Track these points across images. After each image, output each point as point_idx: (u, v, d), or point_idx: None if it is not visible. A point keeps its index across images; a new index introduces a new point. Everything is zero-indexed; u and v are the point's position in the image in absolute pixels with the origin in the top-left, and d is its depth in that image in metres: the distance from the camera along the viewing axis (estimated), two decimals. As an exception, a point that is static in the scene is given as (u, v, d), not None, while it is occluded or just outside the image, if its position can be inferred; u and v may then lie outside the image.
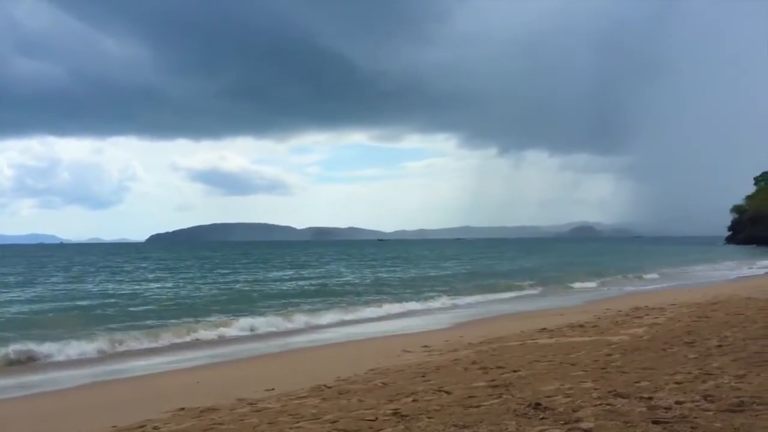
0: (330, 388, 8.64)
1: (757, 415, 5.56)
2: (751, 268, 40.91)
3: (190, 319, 18.40)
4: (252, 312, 19.92)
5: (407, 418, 6.38)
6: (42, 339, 15.13)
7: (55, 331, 16.48)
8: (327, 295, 26.55)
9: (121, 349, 14.36)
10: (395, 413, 6.60)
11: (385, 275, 39.74)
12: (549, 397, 6.79)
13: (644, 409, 6.01)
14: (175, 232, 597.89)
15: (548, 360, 9.45)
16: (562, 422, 5.77)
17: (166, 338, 15.49)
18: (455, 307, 22.60)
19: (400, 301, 23.25)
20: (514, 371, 8.62)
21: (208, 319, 18.53)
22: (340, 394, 8.10)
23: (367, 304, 22.20)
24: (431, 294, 25.84)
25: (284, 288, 30.34)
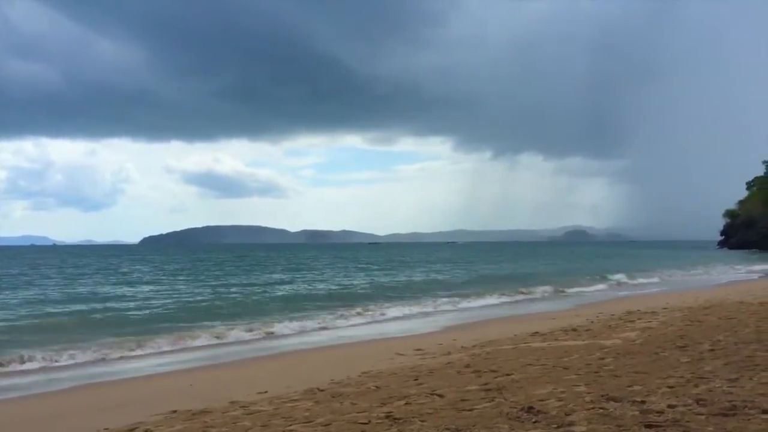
0: (323, 391, 8.62)
1: (749, 419, 5.58)
2: (743, 272, 41.14)
3: (184, 324, 18.28)
4: (249, 317, 19.77)
5: (400, 421, 6.37)
6: (32, 342, 15.08)
7: (46, 334, 16.41)
8: (324, 299, 26.34)
9: (113, 351, 14.26)
10: (388, 416, 6.60)
11: (382, 279, 39.64)
12: (542, 400, 6.79)
13: (637, 413, 6.02)
14: (168, 235, 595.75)
15: (541, 364, 9.46)
16: (555, 426, 5.77)
17: (158, 341, 15.40)
18: (449, 311, 22.58)
19: (394, 304, 23.20)
20: (507, 375, 8.63)
21: (203, 323, 18.40)
22: (333, 397, 8.09)
23: (364, 308, 22.10)
24: (423, 298, 25.82)
25: (282, 292, 30.05)
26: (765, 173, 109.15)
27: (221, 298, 26.34)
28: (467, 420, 6.18)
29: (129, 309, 22.57)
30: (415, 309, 22.32)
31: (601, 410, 6.17)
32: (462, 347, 12.28)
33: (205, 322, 18.50)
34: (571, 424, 5.78)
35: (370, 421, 6.47)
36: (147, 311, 21.89)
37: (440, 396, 7.47)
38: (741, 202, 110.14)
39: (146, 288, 32.77)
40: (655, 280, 35.54)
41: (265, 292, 29.88)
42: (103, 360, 13.64)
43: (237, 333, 16.87)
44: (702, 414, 5.83)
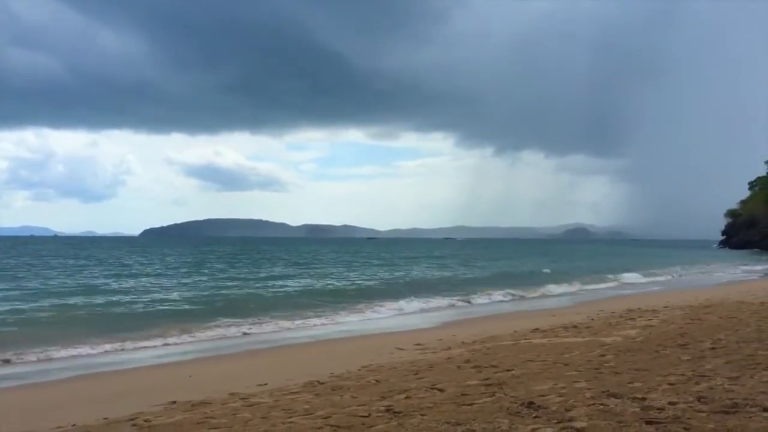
0: (323, 384, 8.62)
1: (750, 417, 5.56)
2: (743, 272, 41.13)
3: (186, 317, 18.28)
4: (251, 310, 19.70)
5: (400, 414, 6.37)
6: (33, 333, 15.11)
7: (47, 325, 16.44)
8: (326, 294, 26.14)
9: (113, 342, 14.27)
10: (388, 410, 6.59)
11: (383, 275, 39.62)
12: (542, 396, 6.78)
13: (637, 409, 6.01)
14: (168, 227, 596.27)
15: (541, 360, 9.45)
16: (555, 421, 5.76)
17: (158, 333, 15.42)
18: (449, 307, 22.59)
19: (396, 300, 23.18)
20: (508, 370, 8.62)
21: (205, 317, 18.36)
22: (333, 390, 8.09)
23: (365, 303, 22.09)
24: (423, 294, 25.79)
25: (285, 287, 29.68)
26: (767, 173, 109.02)
27: (224, 292, 26.27)
28: (467, 414, 6.17)
29: (130, 302, 22.55)
30: (415, 305, 22.31)
31: (602, 406, 6.16)
32: (462, 342, 12.28)
33: (208, 316, 18.48)
34: (571, 419, 5.77)
35: (370, 415, 6.46)
36: (147, 304, 21.89)
37: (440, 390, 7.47)
38: (743, 202, 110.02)
39: (149, 280, 32.72)
40: (668, 278, 36.07)
41: (268, 286, 29.80)
42: (103, 351, 13.65)
43: (238, 326, 16.88)
44: (703, 411, 5.82)
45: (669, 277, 36.62)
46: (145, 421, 7.04)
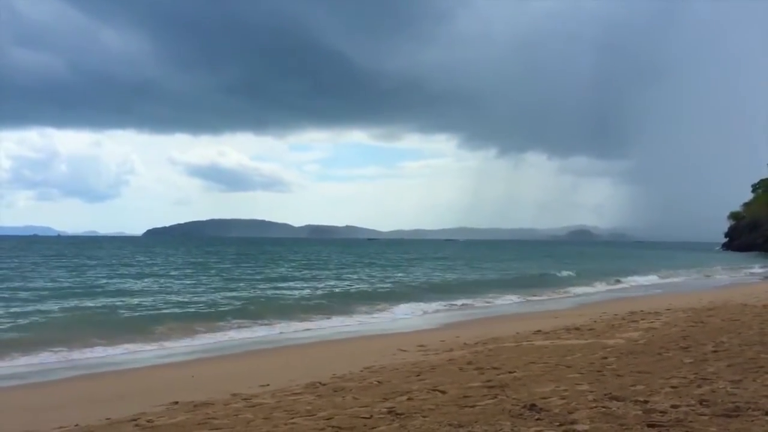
0: (325, 385, 8.63)
1: (752, 421, 5.56)
2: (746, 274, 41.08)
3: (189, 317, 18.26)
4: (255, 312, 19.63)
5: (402, 416, 6.37)
6: (34, 334, 15.13)
7: (51, 326, 16.47)
8: (335, 296, 25.48)
9: (114, 343, 14.29)
10: (390, 411, 6.59)
11: (386, 276, 39.58)
12: (544, 398, 6.78)
13: (640, 412, 6.00)
14: (172, 227, 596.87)
15: (544, 362, 9.44)
16: (558, 424, 5.76)
17: (159, 334, 15.45)
18: (453, 309, 22.57)
19: (397, 302, 23.13)
20: (510, 372, 8.62)
21: (208, 318, 18.35)
22: (335, 391, 8.09)
23: (368, 305, 22.05)
24: (428, 296, 25.75)
25: (291, 289, 29.23)
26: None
27: (230, 294, 26.11)
28: (469, 416, 6.17)
29: (135, 302, 22.51)
30: (417, 307, 22.25)
31: (604, 409, 6.16)
32: (464, 344, 12.28)
33: (211, 317, 18.47)
34: (573, 422, 5.77)
35: (372, 416, 6.46)
36: (150, 305, 21.88)
37: (442, 392, 7.47)
38: (746, 205, 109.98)
39: (155, 281, 32.67)
40: (686, 279, 36.73)
41: (273, 288, 29.62)
42: (104, 351, 13.66)
43: (240, 327, 16.91)
44: (705, 415, 5.81)
45: (685, 279, 36.88)
46: (148, 421, 7.05)
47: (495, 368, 9.04)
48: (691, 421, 5.62)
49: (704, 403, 6.22)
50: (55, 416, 7.95)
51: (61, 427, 7.16)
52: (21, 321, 17.00)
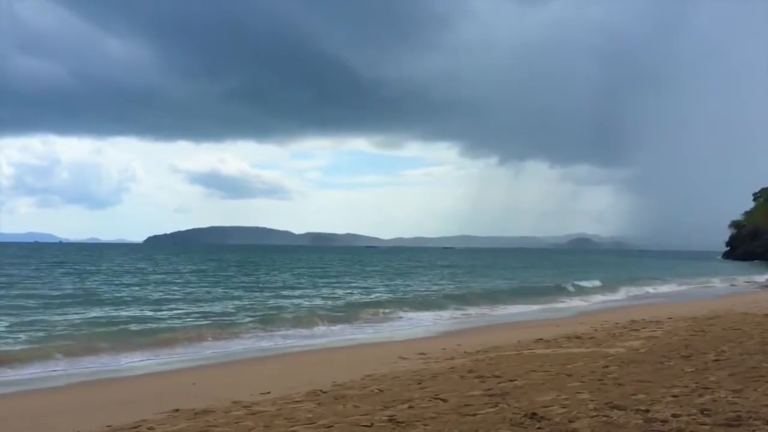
0: (326, 392, 8.62)
1: (753, 430, 5.56)
2: (747, 283, 41.01)
3: (190, 326, 18.19)
4: (258, 321, 19.47)
5: (403, 424, 6.37)
6: (39, 341, 15.11)
7: (54, 333, 16.46)
8: (339, 307, 25.01)
9: (116, 350, 14.28)
10: (391, 419, 6.59)
11: (389, 286, 39.53)
12: (545, 407, 6.78)
13: (641, 421, 6.00)
14: (173, 234, 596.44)
15: (545, 370, 9.44)
16: (559, 432, 5.76)
17: (161, 341, 15.43)
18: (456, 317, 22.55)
19: (399, 311, 23.05)
20: (511, 381, 8.61)
21: (210, 325, 18.27)
22: (336, 399, 8.09)
23: (372, 313, 21.99)
24: (432, 306, 25.64)
25: (293, 298, 28.97)
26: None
27: (232, 302, 25.97)
28: (470, 425, 6.17)
29: (137, 311, 22.45)
30: (422, 315, 22.19)
31: (605, 418, 6.16)
32: (465, 352, 12.26)
33: (213, 325, 18.41)
34: (574, 431, 5.77)
35: (372, 424, 6.46)
36: (153, 313, 21.84)
37: (443, 400, 7.46)
38: (747, 213, 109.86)
39: (157, 288, 32.62)
40: (660, 289, 36.21)
41: (275, 296, 29.42)
42: (107, 359, 13.65)
43: (242, 335, 16.89)
44: (706, 424, 5.81)
45: (689, 288, 37.07)
46: (149, 429, 7.06)
47: (496, 376, 9.04)
48: (692, 431, 5.62)
49: (705, 412, 6.22)
50: (55, 423, 7.96)
51: (61, 434, 7.15)
52: (24, 329, 16.98)
